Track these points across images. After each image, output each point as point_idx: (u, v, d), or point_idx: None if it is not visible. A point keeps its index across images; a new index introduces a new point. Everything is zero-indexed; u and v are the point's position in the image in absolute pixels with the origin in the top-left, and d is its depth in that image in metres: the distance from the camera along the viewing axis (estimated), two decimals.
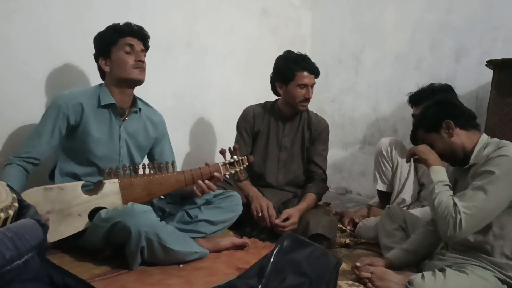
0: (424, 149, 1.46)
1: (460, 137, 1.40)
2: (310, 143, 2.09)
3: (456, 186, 1.48)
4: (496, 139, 1.40)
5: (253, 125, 2.09)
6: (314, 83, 1.99)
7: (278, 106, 2.09)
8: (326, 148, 2.13)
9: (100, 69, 1.64)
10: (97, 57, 1.63)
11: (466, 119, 1.43)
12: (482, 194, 1.26)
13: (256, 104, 2.15)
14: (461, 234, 1.27)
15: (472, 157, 1.39)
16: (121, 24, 1.61)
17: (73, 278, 1.05)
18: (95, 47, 1.63)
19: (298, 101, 1.98)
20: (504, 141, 1.36)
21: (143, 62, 1.61)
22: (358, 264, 1.46)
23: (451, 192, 1.36)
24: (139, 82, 1.61)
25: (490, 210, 1.27)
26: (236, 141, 2.10)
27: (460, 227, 1.25)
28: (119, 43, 1.57)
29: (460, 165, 1.45)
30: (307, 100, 1.99)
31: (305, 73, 1.93)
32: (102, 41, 1.61)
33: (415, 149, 1.49)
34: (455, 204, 1.29)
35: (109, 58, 1.59)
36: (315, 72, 1.97)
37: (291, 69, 1.94)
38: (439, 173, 1.41)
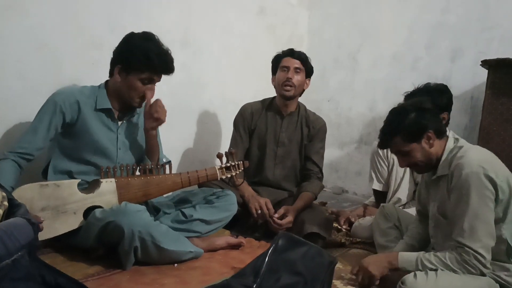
0: (367, 264, 1.39)
1: (436, 147, 1.38)
2: (308, 140, 2.11)
3: (428, 192, 1.48)
4: (458, 145, 1.38)
5: (250, 121, 2.11)
6: (298, 68, 2.01)
7: (276, 102, 2.11)
8: (323, 147, 2.15)
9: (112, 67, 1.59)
10: (115, 58, 1.56)
11: (442, 127, 1.40)
12: (478, 221, 1.25)
13: (254, 101, 2.17)
14: (488, 261, 1.26)
15: (439, 167, 1.38)
16: (157, 56, 1.50)
17: (66, 277, 1.04)
18: (120, 49, 1.55)
19: (281, 84, 2.02)
20: (463, 148, 1.35)
21: (151, 98, 1.59)
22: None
23: (437, 255, 1.30)
24: (136, 107, 1.63)
25: (492, 225, 1.27)
26: (233, 138, 2.12)
27: (484, 259, 1.24)
28: (143, 74, 1.52)
29: (428, 171, 1.44)
30: (289, 80, 1.99)
31: (287, 57, 2.03)
32: (129, 56, 1.51)
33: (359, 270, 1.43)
34: (459, 247, 1.26)
35: (124, 72, 1.53)
36: (295, 55, 2.02)
37: (278, 57, 2.08)
38: (404, 257, 1.35)
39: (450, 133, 1.46)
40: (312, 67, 2.08)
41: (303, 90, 2.10)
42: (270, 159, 2.10)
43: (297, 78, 2.01)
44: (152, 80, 1.55)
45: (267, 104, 2.14)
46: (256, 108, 2.13)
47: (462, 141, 1.41)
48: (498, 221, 1.29)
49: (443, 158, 1.38)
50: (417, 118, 1.37)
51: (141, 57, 1.49)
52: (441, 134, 1.40)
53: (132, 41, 1.54)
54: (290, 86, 2.00)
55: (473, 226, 1.26)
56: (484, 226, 1.26)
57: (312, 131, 2.10)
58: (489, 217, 1.27)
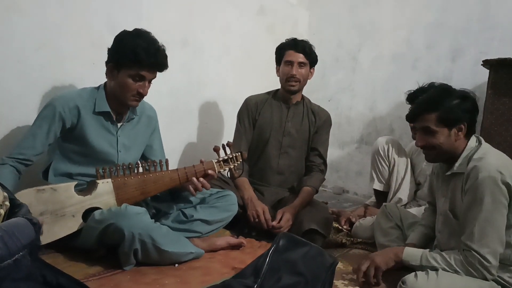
0: (373, 256, 1.42)
1: (459, 142, 1.36)
2: (314, 131, 2.11)
3: (439, 185, 1.47)
4: (480, 146, 1.35)
5: (255, 112, 2.11)
6: (302, 62, 2.01)
7: (281, 93, 2.12)
8: (328, 139, 2.16)
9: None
10: (109, 58, 1.53)
11: (474, 127, 1.38)
12: (489, 226, 1.25)
13: (258, 93, 2.18)
14: (494, 267, 1.25)
15: (457, 164, 1.36)
16: (145, 51, 1.45)
17: (67, 277, 1.03)
18: (113, 48, 1.52)
19: (285, 78, 2.02)
20: (482, 150, 1.33)
21: (144, 95, 1.54)
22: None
23: (443, 254, 1.31)
24: (132, 107, 1.59)
25: (502, 232, 1.26)
26: (236, 130, 2.12)
27: (490, 265, 1.24)
28: (131, 70, 1.47)
29: (436, 162, 1.44)
30: (292, 77, 2.00)
31: (291, 51, 2.02)
32: (118, 53, 1.48)
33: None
34: (466, 250, 1.26)
35: (116, 70, 1.51)
36: (299, 49, 2.00)
37: (282, 48, 2.06)
38: (409, 250, 1.37)
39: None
40: (316, 56, 2.07)
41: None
42: (275, 148, 2.09)
43: (301, 73, 2.02)
44: (142, 77, 1.49)
45: (272, 95, 2.15)
46: (260, 98, 2.13)
47: (483, 143, 1.38)
48: (508, 227, 1.28)
49: (463, 155, 1.35)
50: (460, 105, 1.34)
51: (129, 53, 1.45)
52: (471, 133, 1.37)
53: (122, 38, 1.51)
54: (295, 81, 2.01)
55: (484, 231, 1.25)
56: (495, 232, 1.25)
57: (318, 121, 2.11)
58: (500, 224, 1.26)
